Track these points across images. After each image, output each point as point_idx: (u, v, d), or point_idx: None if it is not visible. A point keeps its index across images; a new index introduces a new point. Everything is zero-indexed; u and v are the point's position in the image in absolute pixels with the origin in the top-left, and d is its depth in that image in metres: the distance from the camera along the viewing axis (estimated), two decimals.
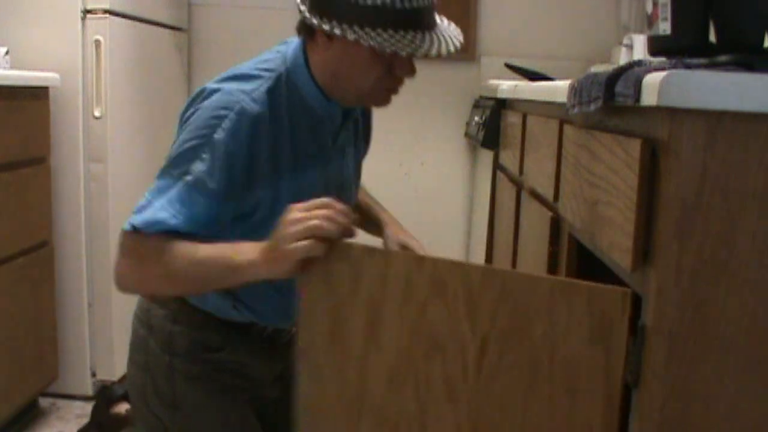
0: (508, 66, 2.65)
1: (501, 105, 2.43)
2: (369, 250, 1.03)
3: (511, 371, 0.96)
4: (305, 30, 1.26)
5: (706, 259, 0.86)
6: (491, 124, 2.43)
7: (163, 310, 1.37)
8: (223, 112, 1.19)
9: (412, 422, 1.02)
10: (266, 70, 1.27)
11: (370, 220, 1.56)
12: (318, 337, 1.05)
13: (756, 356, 0.87)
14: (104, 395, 2.26)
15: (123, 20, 2.48)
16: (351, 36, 1.18)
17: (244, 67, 1.28)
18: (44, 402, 2.51)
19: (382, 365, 1.02)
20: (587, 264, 1.37)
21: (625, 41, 2.60)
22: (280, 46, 1.33)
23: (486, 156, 2.71)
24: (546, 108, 1.67)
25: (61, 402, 2.53)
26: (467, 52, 3.04)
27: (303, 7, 1.23)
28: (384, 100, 1.32)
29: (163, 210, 1.15)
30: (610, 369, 0.91)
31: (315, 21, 1.20)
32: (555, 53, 3.09)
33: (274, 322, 1.40)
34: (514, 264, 2.00)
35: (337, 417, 1.06)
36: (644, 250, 0.92)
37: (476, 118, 2.67)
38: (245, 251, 1.10)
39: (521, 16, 3.10)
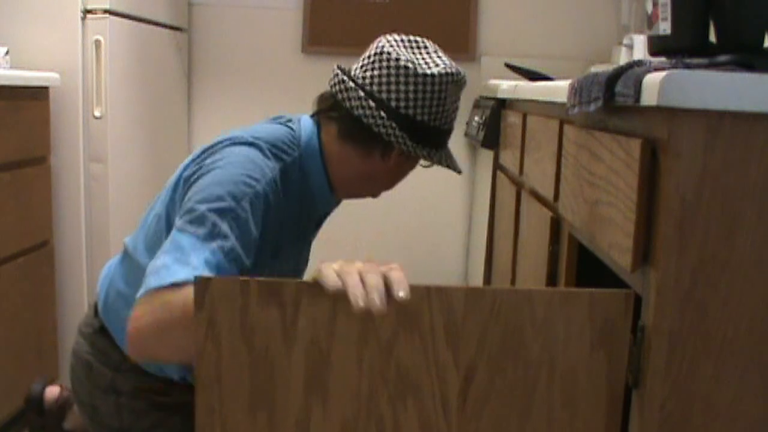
0: (508, 66, 2.64)
1: (501, 105, 2.42)
2: (309, 288, 0.88)
3: (501, 396, 0.90)
4: (355, 135, 1.28)
5: (706, 259, 0.86)
6: (491, 124, 2.43)
7: (105, 357, 1.34)
8: (253, 182, 1.13)
9: None
10: (283, 152, 1.24)
11: None
12: (230, 408, 0.90)
13: (756, 356, 0.87)
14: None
15: (123, 20, 2.48)
16: (416, 153, 1.28)
17: (262, 141, 1.22)
18: None
19: (330, 421, 0.91)
20: (587, 264, 1.37)
21: (625, 41, 2.60)
22: (289, 125, 1.30)
23: (486, 156, 2.71)
24: (546, 108, 1.67)
25: None
26: (467, 52, 3.04)
27: (383, 116, 1.25)
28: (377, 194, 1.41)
29: (194, 271, 1.02)
30: (612, 371, 0.91)
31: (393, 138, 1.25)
32: (555, 53, 3.09)
33: None
34: (514, 264, 2.00)
35: None
36: (644, 250, 0.91)
37: (476, 118, 2.67)
38: None
39: (521, 16, 3.10)
